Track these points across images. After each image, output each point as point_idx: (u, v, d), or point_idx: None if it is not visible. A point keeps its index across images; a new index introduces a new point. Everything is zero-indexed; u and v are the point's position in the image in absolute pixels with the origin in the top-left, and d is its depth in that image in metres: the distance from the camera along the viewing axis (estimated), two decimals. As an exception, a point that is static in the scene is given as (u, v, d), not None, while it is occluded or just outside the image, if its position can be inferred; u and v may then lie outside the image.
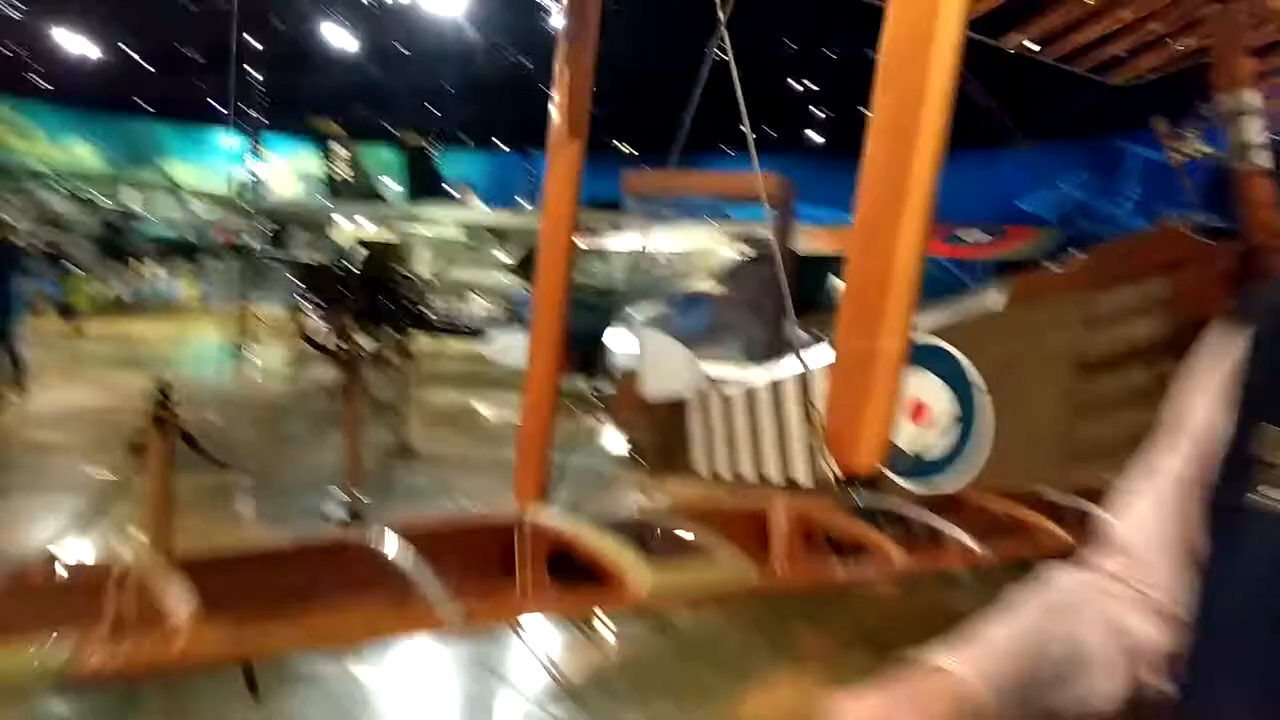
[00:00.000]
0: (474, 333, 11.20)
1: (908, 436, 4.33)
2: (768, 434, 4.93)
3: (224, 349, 11.73)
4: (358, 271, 11.83)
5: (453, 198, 21.47)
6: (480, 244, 18.35)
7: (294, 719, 2.97)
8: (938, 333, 4.37)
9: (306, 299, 11.52)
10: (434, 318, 11.69)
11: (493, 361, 10.10)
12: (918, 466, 4.22)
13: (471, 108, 25.68)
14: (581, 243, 14.96)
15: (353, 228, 19.41)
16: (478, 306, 16.06)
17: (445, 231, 18.18)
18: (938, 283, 9.92)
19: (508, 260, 17.82)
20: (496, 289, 17.11)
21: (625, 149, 27.34)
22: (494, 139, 29.62)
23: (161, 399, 3.51)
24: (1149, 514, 0.82)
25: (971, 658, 0.80)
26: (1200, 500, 0.75)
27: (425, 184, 22.46)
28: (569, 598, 1.66)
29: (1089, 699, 0.79)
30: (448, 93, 25.90)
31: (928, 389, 4.29)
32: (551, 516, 1.80)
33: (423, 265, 16.62)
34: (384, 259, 12.55)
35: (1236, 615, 0.69)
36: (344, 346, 10.84)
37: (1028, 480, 2.60)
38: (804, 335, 10.74)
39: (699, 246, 12.45)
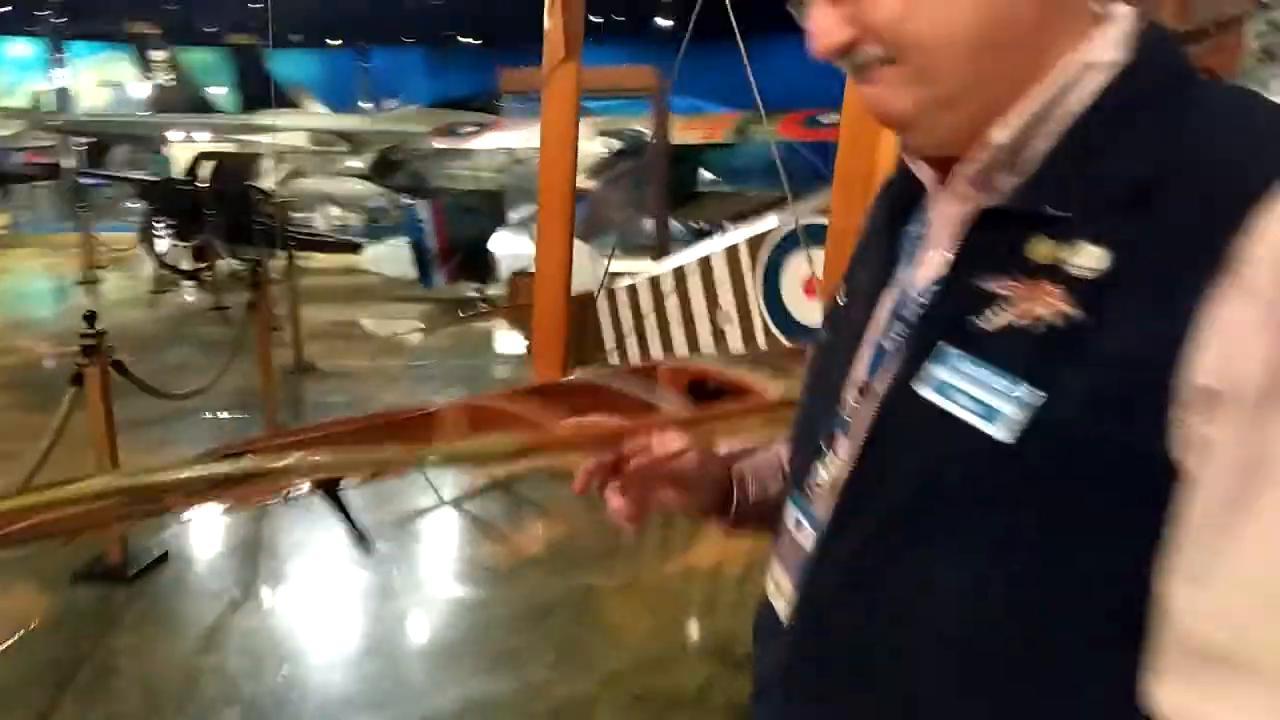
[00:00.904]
0: (351, 246, 10.90)
1: (806, 309, 4.73)
2: (675, 320, 5.24)
3: (64, 281, 10.98)
4: (206, 186, 11.19)
5: (290, 103, 20.25)
6: (328, 151, 17.56)
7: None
8: (827, 212, 4.71)
9: (155, 220, 10.85)
10: (302, 232, 11.26)
11: (374, 273, 9.91)
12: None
13: (300, 2, 23.95)
14: (441, 143, 14.66)
15: (184, 140, 18.11)
16: (334, 217, 15.48)
17: (289, 140, 17.25)
18: (803, 167, 10.36)
19: (360, 166, 17.17)
20: (352, 197, 16.50)
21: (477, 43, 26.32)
22: (327, 38, 27.84)
23: (89, 329, 3.44)
24: None
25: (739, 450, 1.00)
26: None
27: (257, 88, 21.01)
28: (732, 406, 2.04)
29: None
30: (271, -13, 24.04)
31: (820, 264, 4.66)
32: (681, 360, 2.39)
33: (268, 178, 15.81)
34: (235, 172, 11.89)
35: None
36: (204, 267, 10.42)
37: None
38: (680, 227, 11.05)
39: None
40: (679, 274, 5.19)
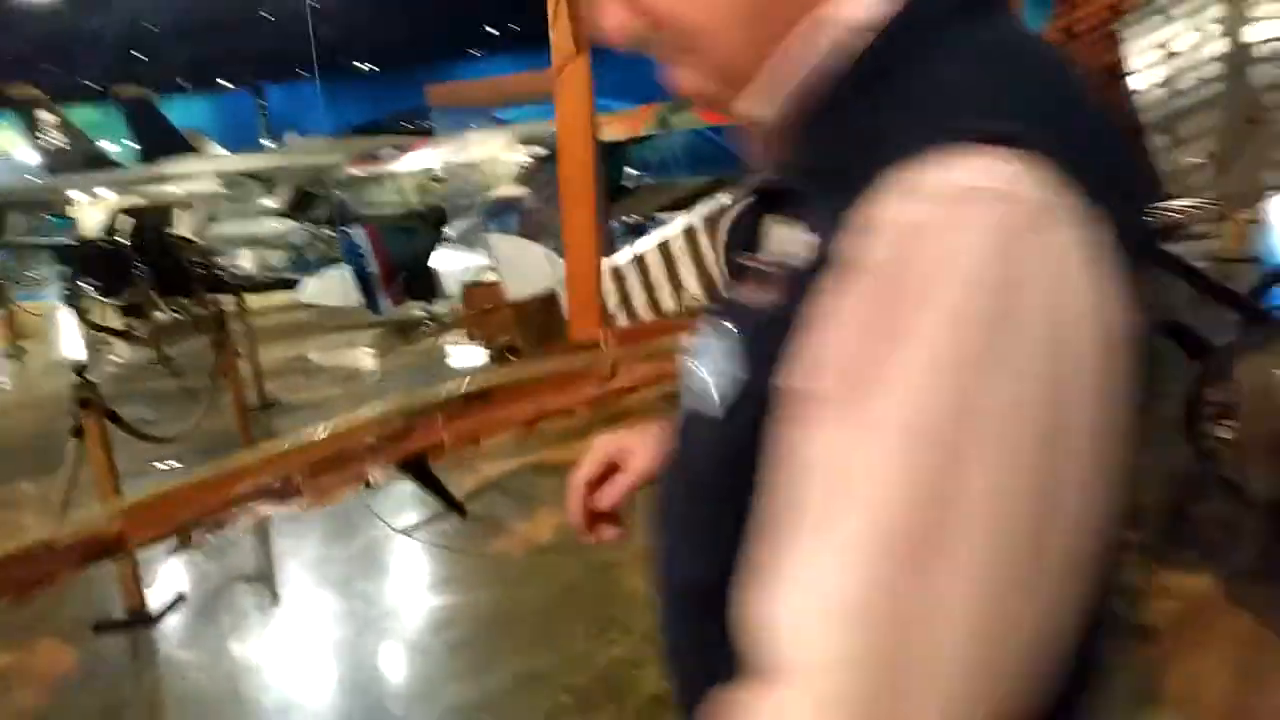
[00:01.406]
0: (285, 283, 10.78)
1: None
2: (640, 304, 5.41)
3: (-9, 353, 10.63)
4: (130, 242, 10.94)
5: (190, 149, 19.79)
6: (240, 193, 17.24)
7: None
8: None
9: (79, 283, 10.58)
10: (231, 276, 11.09)
11: (315, 306, 9.83)
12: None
13: (185, 47, 23.42)
14: (361, 170, 14.56)
15: (89, 200, 17.58)
16: (256, 259, 15.22)
17: (198, 186, 16.90)
18: (723, 151, 10.63)
19: (275, 205, 16.91)
20: (273, 236, 16.27)
21: (367, 68, 26.02)
22: (218, 79, 27.28)
23: (83, 382, 3.46)
24: None
25: None
26: None
27: (155, 138, 20.46)
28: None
29: None
30: (153, 34, 23.45)
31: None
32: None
33: (182, 226, 15.46)
34: (155, 224, 11.65)
35: None
36: (134, 326, 10.20)
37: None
38: (615, 224, 11.20)
39: (488, 155, 12.48)
40: (639, 261, 5.37)
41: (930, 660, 0.46)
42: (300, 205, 16.82)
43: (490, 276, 7.54)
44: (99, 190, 17.12)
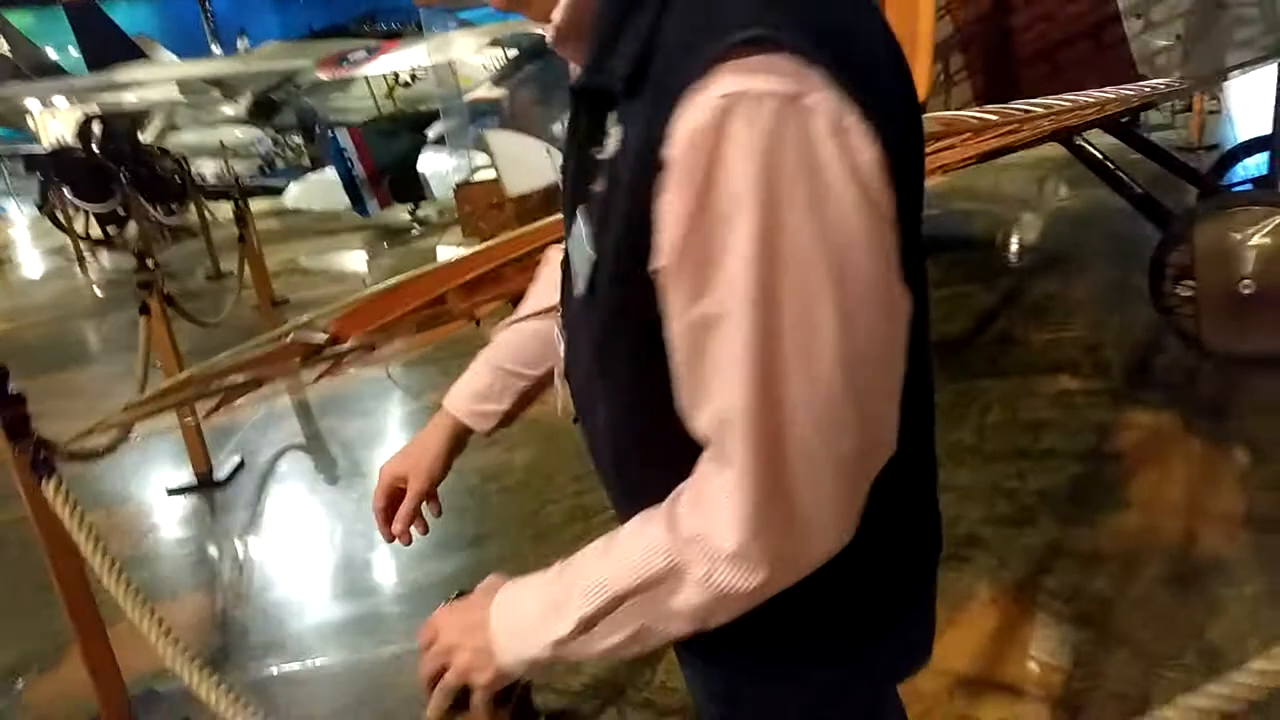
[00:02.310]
0: (266, 190, 10.78)
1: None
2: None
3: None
4: (103, 150, 10.83)
5: (141, 55, 19.13)
6: (199, 100, 16.83)
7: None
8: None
9: (56, 191, 10.50)
10: (210, 183, 11.06)
11: (302, 210, 9.89)
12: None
13: (125, -53, 22.35)
14: (330, 74, 14.19)
15: (43, 109, 17.04)
16: (220, 167, 14.99)
17: (156, 94, 16.45)
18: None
19: (234, 112, 16.56)
20: (237, 144, 16.00)
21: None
22: (161, -20, 26.08)
23: (142, 265, 3.69)
24: None
25: (456, 393, 1.16)
26: None
27: (102, 45, 19.71)
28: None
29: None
30: (91, -68, 22.26)
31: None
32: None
33: (144, 135, 15.13)
34: (124, 132, 11.49)
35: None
36: (114, 234, 10.21)
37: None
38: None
39: (459, 56, 12.34)
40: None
41: (796, 423, 0.64)
42: (263, 112, 16.48)
43: (482, 175, 7.68)
44: (55, 98, 16.60)
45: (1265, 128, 4.45)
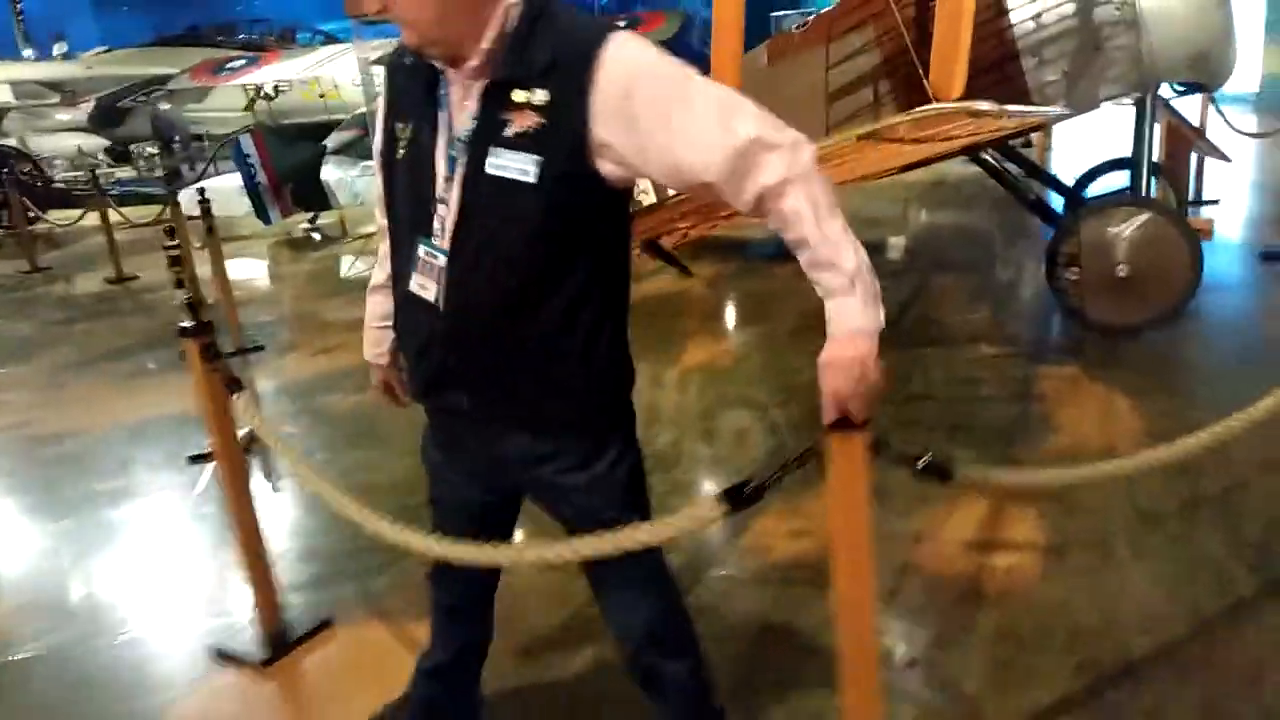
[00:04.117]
0: (149, 199, 10.39)
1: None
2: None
3: None
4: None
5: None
6: (28, 104, 15.76)
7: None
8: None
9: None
10: (85, 187, 10.50)
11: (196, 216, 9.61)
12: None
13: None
14: (207, 82, 13.69)
15: None
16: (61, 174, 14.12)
17: (-9, 96, 15.28)
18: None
19: (69, 118, 15.63)
20: (72, 153, 15.07)
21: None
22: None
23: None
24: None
25: (365, 345, 1.87)
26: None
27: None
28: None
29: None
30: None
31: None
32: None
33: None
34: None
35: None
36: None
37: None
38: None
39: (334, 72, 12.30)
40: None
41: (737, 111, 1.36)
42: (107, 121, 15.65)
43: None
44: None
45: (1095, 158, 5.59)
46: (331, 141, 10.25)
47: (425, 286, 1.50)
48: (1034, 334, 4.89)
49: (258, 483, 3.58)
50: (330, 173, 9.36)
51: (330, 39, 15.96)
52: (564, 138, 1.34)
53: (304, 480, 2.10)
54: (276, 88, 13.58)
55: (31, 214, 8.95)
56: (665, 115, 1.33)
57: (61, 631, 2.82)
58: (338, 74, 12.84)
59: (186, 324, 2.40)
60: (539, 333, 1.46)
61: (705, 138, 1.34)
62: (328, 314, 6.42)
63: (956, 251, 6.73)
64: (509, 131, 1.37)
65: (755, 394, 4.36)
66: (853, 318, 1.35)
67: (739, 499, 1.57)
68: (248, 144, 8.83)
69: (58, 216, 8.85)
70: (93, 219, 8.72)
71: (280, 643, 2.59)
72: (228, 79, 12.23)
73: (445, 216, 1.46)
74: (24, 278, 8.44)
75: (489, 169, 1.39)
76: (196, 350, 2.39)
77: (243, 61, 12.48)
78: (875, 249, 7.00)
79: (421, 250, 1.49)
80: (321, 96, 13.04)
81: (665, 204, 4.32)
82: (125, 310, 7.04)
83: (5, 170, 9.35)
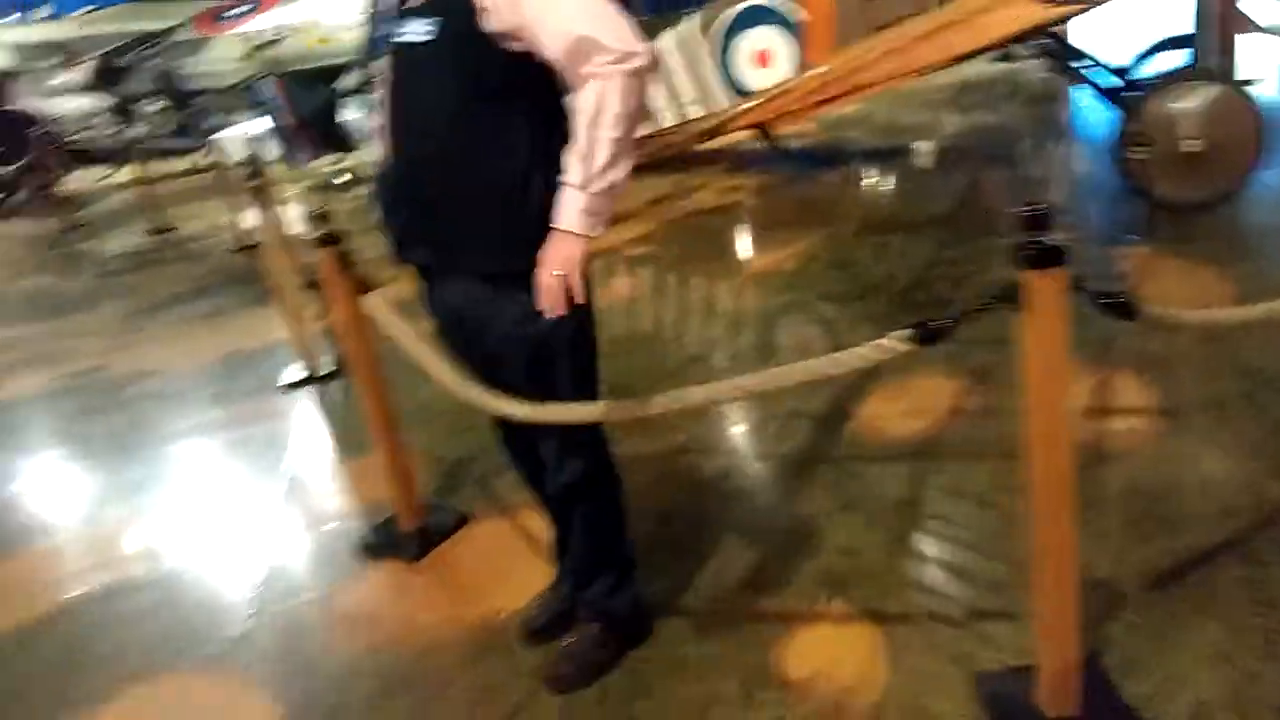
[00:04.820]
0: (174, 152, 10.33)
1: (759, 78, 5.78)
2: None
3: None
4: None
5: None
6: (33, 67, 15.52)
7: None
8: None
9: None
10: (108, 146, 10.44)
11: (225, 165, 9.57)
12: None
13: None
14: (201, 33, 13.43)
15: None
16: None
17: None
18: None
19: (70, 79, 15.41)
20: (77, 115, 14.90)
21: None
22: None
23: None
24: None
25: None
26: None
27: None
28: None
29: None
30: None
31: (767, 39, 5.71)
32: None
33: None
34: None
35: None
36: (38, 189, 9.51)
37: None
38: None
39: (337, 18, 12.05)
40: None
41: (591, 9, 1.57)
42: (110, 79, 15.42)
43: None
44: None
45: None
46: (343, 84, 10.14)
47: (381, 153, 1.81)
48: (1101, 218, 4.87)
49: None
50: (348, 114, 9.29)
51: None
52: (457, 2, 1.60)
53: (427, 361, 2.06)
54: (277, 35, 13.35)
55: (61, 173, 8.91)
56: None
57: (201, 549, 2.92)
58: (337, 16, 12.61)
59: (320, 233, 2.42)
60: (471, 185, 1.70)
61: (558, 24, 1.55)
62: (369, 251, 6.40)
63: (1000, 148, 6.66)
64: (415, 2, 1.68)
65: (834, 289, 4.35)
66: (569, 215, 1.58)
67: (928, 334, 1.63)
68: (270, 89, 8.76)
69: (88, 175, 8.82)
70: (119, 177, 8.69)
71: (426, 540, 2.67)
72: (229, 26, 11.98)
73: (382, 89, 1.76)
74: (61, 236, 8.44)
75: (400, 38, 1.69)
76: (331, 259, 2.42)
77: (245, 8, 12.21)
78: (900, 154, 6.88)
79: (376, 123, 1.81)
80: (321, 42, 12.85)
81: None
82: (172, 259, 7.05)
83: (33, 132, 9.28)
